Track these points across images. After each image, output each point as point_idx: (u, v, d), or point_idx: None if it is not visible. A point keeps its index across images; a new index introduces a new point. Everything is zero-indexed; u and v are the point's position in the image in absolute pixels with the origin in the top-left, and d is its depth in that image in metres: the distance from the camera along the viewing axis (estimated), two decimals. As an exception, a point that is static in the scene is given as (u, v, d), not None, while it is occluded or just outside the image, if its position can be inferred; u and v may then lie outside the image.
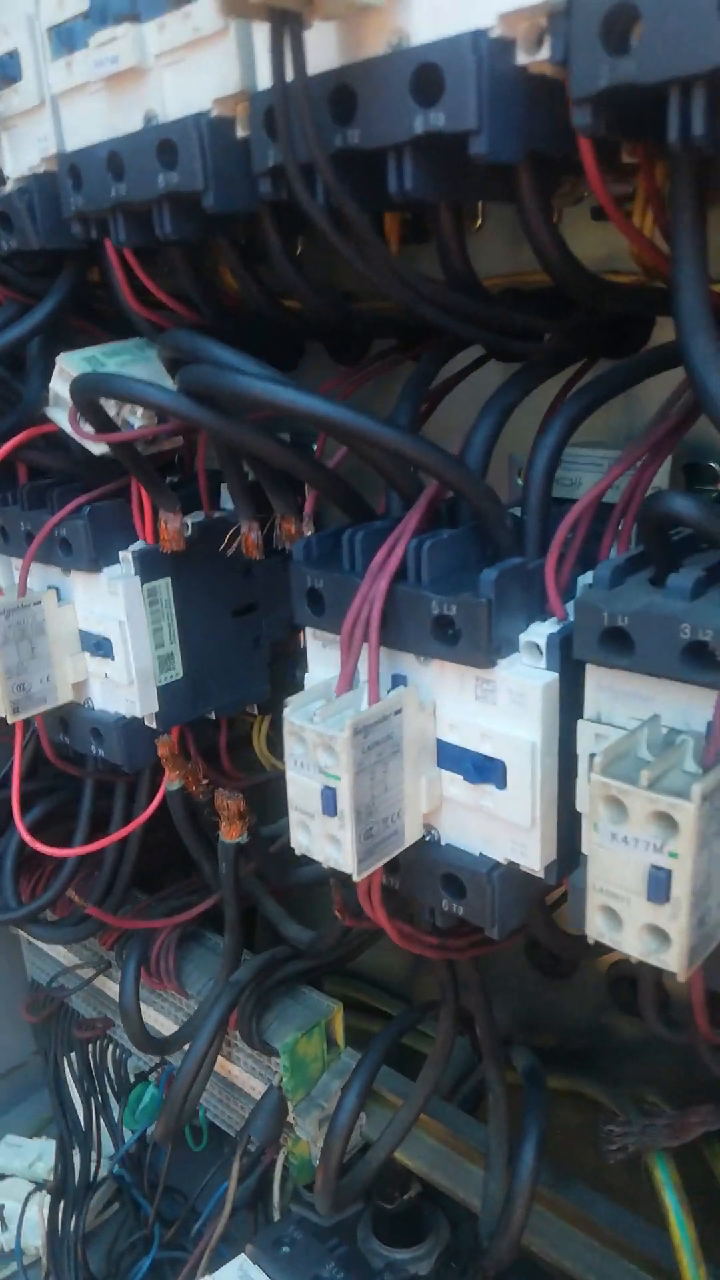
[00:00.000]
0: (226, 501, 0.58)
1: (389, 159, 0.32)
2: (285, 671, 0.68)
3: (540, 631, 0.35)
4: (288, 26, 0.30)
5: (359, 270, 0.36)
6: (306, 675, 0.43)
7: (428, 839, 0.40)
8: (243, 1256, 0.49)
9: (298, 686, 0.67)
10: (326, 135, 0.33)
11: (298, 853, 0.38)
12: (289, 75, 0.31)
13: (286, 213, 0.42)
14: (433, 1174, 0.57)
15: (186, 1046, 0.58)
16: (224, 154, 0.38)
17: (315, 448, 0.52)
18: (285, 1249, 0.48)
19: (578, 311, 0.41)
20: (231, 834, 0.55)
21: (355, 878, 0.36)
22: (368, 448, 0.36)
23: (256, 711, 0.67)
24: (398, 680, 0.39)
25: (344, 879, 0.48)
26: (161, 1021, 0.65)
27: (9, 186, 0.49)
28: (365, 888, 0.40)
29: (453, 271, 0.38)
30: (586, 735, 0.35)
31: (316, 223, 0.34)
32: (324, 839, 0.36)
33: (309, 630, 0.42)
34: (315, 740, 0.35)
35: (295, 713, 0.36)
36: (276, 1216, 0.58)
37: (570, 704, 0.35)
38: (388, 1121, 0.56)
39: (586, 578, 0.36)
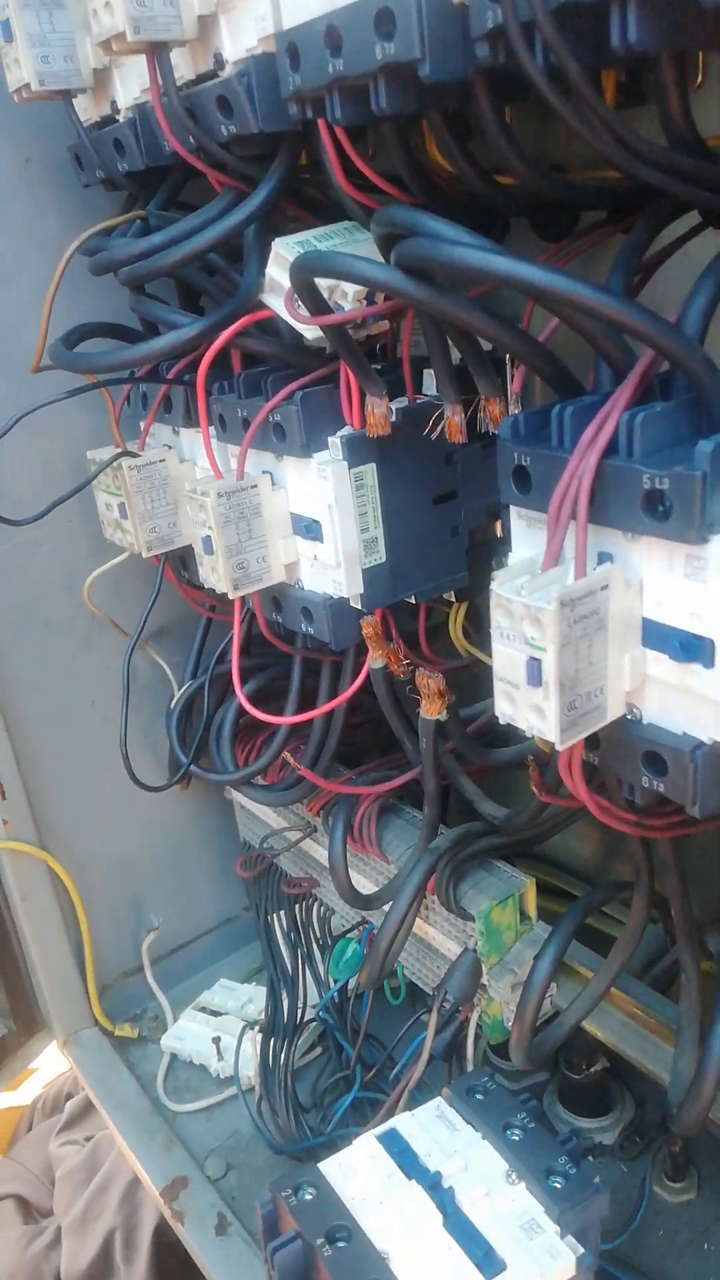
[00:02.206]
0: (429, 388, 0.58)
1: (611, 10, 0.31)
2: (483, 560, 0.69)
3: (757, 506, 0.34)
4: None
5: (579, 132, 0.35)
6: (510, 555, 0.44)
7: (630, 716, 0.41)
8: (439, 1099, 0.53)
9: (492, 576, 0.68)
10: (549, -13, 0.32)
11: (502, 721, 0.39)
12: None
13: (499, 82, 0.41)
14: (623, 1046, 0.59)
15: (388, 906, 0.62)
16: (440, 21, 0.38)
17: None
18: (479, 1096, 0.52)
19: None
20: (431, 711, 0.57)
21: (558, 746, 0.37)
22: (582, 315, 0.36)
23: (454, 599, 0.68)
24: (604, 558, 0.39)
25: (542, 758, 0.50)
26: (363, 883, 0.69)
27: (228, 70, 0.50)
28: (566, 760, 0.41)
29: (674, 129, 0.36)
30: None
31: (537, 84, 0.34)
32: (528, 709, 0.37)
33: (514, 509, 0.43)
34: (522, 612, 0.36)
35: (502, 586, 0.37)
36: (470, 1070, 0.62)
37: (786, 581, 0.34)
38: (579, 991, 0.58)
39: None
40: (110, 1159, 1.06)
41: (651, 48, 0.32)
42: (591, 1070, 0.73)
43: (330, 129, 0.46)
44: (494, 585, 0.37)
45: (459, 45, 0.38)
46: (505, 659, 0.38)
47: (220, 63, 0.50)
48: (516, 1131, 0.49)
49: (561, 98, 0.34)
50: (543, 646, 0.36)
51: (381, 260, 0.43)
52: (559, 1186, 0.46)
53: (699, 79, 0.47)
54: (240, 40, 0.48)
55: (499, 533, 0.66)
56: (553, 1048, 0.56)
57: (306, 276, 0.44)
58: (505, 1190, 0.47)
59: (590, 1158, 0.74)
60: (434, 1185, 0.48)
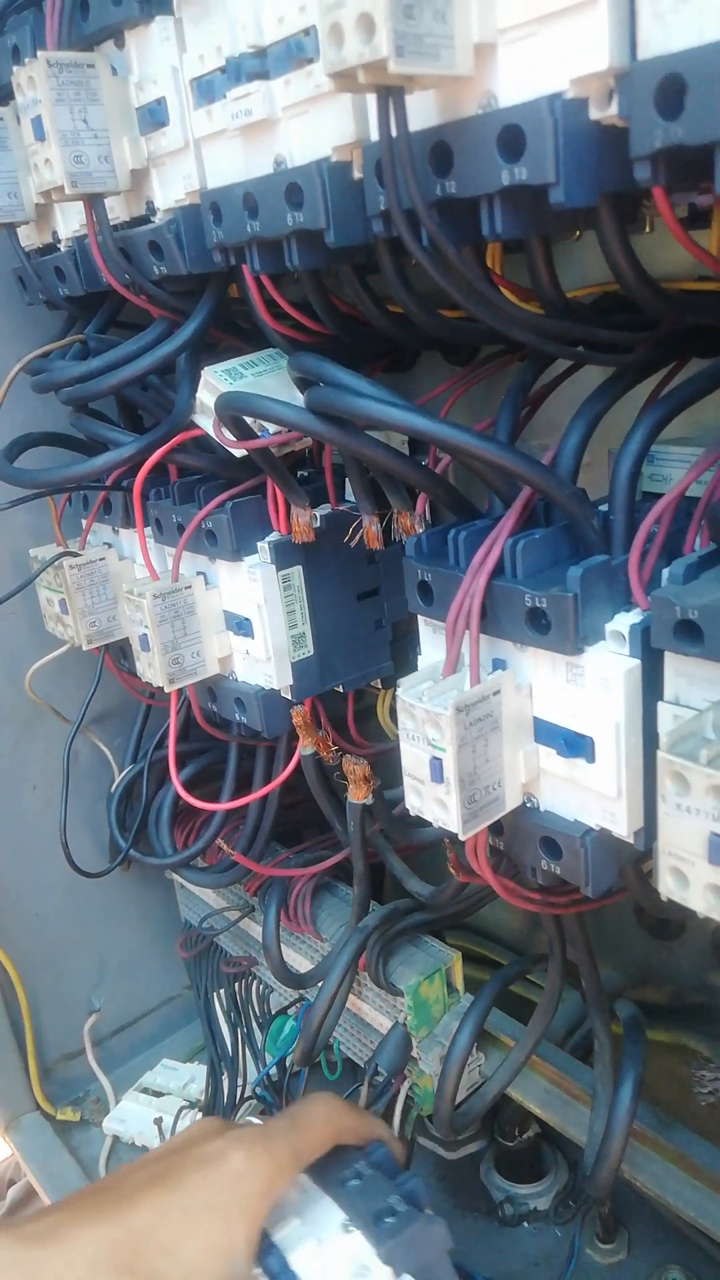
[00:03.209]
0: (350, 494, 0.63)
1: (481, 206, 0.36)
2: (406, 649, 0.73)
3: (624, 622, 0.39)
4: (391, 96, 0.34)
5: (459, 302, 0.40)
6: (420, 657, 0.48)
7: (527, 805, 0.45)
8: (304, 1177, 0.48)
9: (417, 663, 0.72)
10: (427, 185, 0.37)
11: (411, 813, 0.43)
12: (394, 133, 0.35)
13: (399, 241, 0.46)
14: (546, 1112, 0.62)
15: (321, 983, 0.65)
16: (342, 195, 0.43)
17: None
18: (354, 1182, 0.47)
19: (668, 321, 0.44)
20: (358, 795, 0.61)
21: (461, 837, 0.41)
22: (467, 459, 0.41)
23: (380, 685, 0.72)
24: (498, 664, 0.43)
25: (456, 839, 0.54)
26: (299, 960, 0.72)
27: (159, 218, 0.55)
28: (472, 847, 0.45)
29: (543, 295, 0.41)
30: (666, 715, 0.38)
31: (420, 261, 0.39)
32: (433, 802, 0.41)
33: (421, 617, 0.47)
34: (424, 716, 0.40)
35: (406, 691, 0.41)
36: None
37: (652, 687, 0.39)
38: (501, 1060, 0.61)
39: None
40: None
41: (517, 235, 0.37)
42: (524, 1137, 0.76)
43: (255, 275, 0.51)
44: (399, 691, 0.41)
45: (359, 215, 0.43)
46: (411, 757, 0.42)
47: (152, 209, 0.55)
48: (355, 1181, 0.47)
49: (442, 271, 0.39)
50: (443, 747, 0.40)
51: (298, 399, 0.48)
52: (388, 1225, 0.45)
53: (577, 233, 0.53)
54: (169, 192, 0.53)
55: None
56: (476, 1117, 0.59)
57: (231, 413, 0.49)
58: (339, 1240, 0.45)
59: (525, 1223, 0.76)
60: (264, 1250, 0.45)
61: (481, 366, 0.58)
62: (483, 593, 0.41)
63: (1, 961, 0.84)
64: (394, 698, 0.72)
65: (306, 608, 0.62)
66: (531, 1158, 0.78)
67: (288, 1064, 0.75)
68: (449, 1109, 0.57)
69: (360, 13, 0.31)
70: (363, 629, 0.66)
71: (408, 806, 0.43)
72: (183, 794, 0.65)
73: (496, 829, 0.46)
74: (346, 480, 0.62)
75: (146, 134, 0.52)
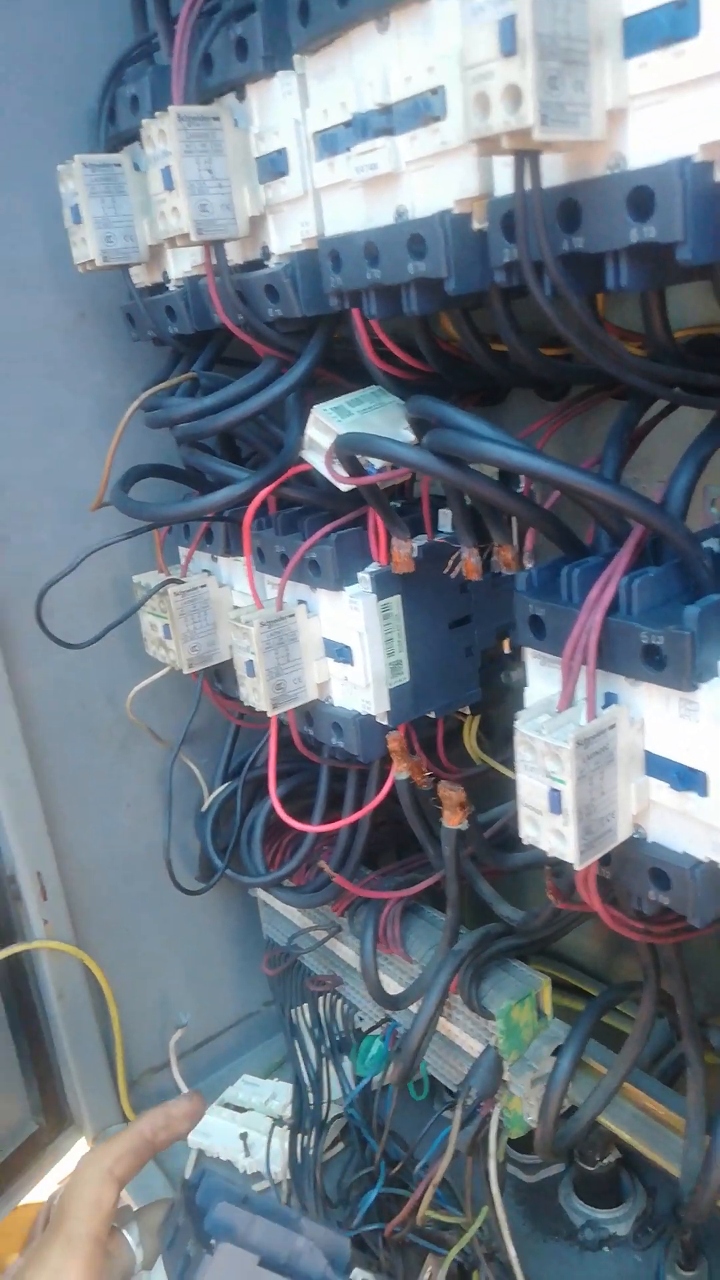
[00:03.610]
0: (444, 525, 0.65)
1: (607, 261, 0.38)
2: (493, 676, 0.74)
3: (741, 659, 0.40)
4: (528, 158, 0.36)
5: (579, 348, 0.42)
6: (527, 689, 0.49)
7: (637, 836, 0.46)
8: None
9: (504, 689, 0.74)
10: (555, 240, 0.39)
11: (525, 842, 0.44)
12: (528, 191, 0.37)
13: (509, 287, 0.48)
14: (635, 1138, 0.62)
15: (414, 1005, 0.66)
16: (463, 245, 0.45)
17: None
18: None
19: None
20: (453, 821, 0.62)
21: (577, 867, 0.42)
22: (586, 499, 0.42)
23: (468, 712, 0.74)
24: (610, 698, 0.44)
25: (559, 867, 0.55)
26: (387, 982, 0.73)
27: (273, 262, 0.57)
28: (583, 877, 0.46)
29: (656, 343, 0.43)
30: (782, 752, 0.39)
31: (545, 310, 0.40)
32: (550, 833, 0.42)
33: (529, 650, 0.48)
34: (544, 749, 0.41)
35: (525, 724, 0.42)
36: (492, 1164, 0.65)
37: (768, 724, 0.40)
38: (593, 1087, 0.62)
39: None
40: (131, 1257, 1.07)
41: (640, 289, 0.38)
42: (605, 1162, 0.76)
43: (364, 317, 0.53)
44: (518, 724, 0.43)
45: (478, 264, 0.45)
46: (529, 788, 0.43)
47: (267, 254, 0.58)
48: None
49: (564, 321, 0.41)
50: (562, 779, 0.41)
51: (411, 437, 0.50)
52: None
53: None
54: (285, 238, 0.56)
55: (507, 649, 0.72)
56: (573, 1141, 0.60)
57: (349, 453, 0.51)
58: None
59: (605, 1248, 0.76)
60: None
61: (575, 404, 0.59)
62: (599, 629, 0.42)
63: (96, 976, 0.87)
64: (481, 724, 0.75)
65: (403, 635, 0.64)
66: (611, 1183, 0.78)
67: (374, 1084, 0.77)
68: (552, 1131, 0.58)
69: (508, 84, 0.33)
70: (454, 656, 0.68)
71: (522, 836, 0.45)
72: (282, 815, 0.67)
73: (605, 859, 0.47)
74: (440, 512, 0.64)
75: (266, 182, 0.55)
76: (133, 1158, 0.54)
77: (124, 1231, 0.54)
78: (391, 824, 0.82)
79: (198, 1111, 0.60)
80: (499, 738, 0.78)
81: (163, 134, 0.53)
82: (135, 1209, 0.57)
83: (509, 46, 0.33)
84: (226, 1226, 0.46)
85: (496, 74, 0.34)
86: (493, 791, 0.76)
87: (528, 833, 0.44)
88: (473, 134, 0.35)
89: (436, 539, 0.63)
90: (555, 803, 0.42)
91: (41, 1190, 1.21)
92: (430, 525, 0.63)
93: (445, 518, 0.65)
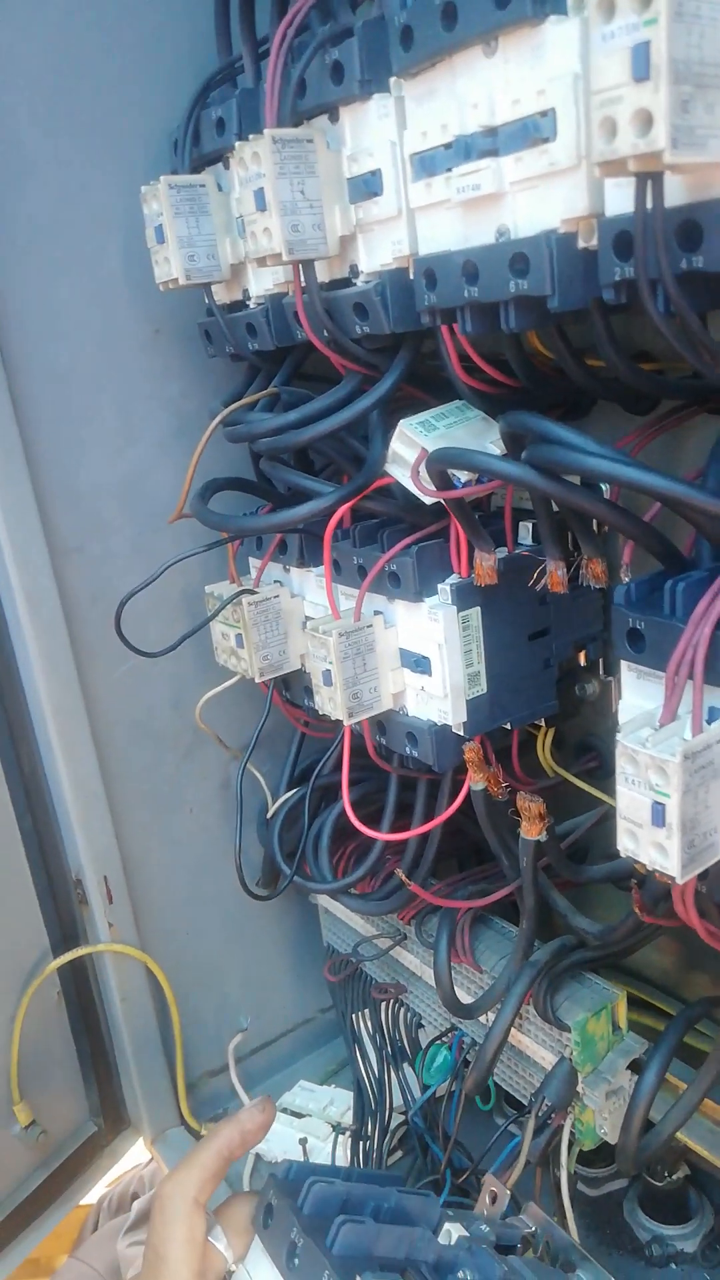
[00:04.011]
0: (523, 538, 0.65)
1: (727, 277, 0.38)
2: (567, 688, 0.75)
3: None
4: (652, 179, 0.37)
5: (693, 364, 0.42)
6: (620, 703, 0.50)
7: (737, 850, 0.46)
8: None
9: (577, 702, 0.74)
10: (674, 259, 0.39)
11: (623, 855, 0.45)
12: (650, 212, 0.38)
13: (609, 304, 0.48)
14: (713, 1153, 0.62)
15: (484, 1015, 0.66)
16: (567, 263, 0.45)
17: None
18: (269, 1219, 0.51)
19: None
20: (532, 832, 0.62)
21: (679, 880, 0.42)
22: (694, 513, 0.43)
23: (542, 724, 0.74)
24: (714, 713, 0.45)
25: (643, 880, 0.55)
26: (457, 992, 0.73)
27: (362, 280, 0.58)
28: (680, 891, 0.46)
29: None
30: None
31: (660, 327, 0.41)
32: (651, 846, 0.43)
33: (626, 663, 0.49)
34: (648, 762, 0.42)
35: (628, 737, 0.43)
36: (564, 1175, 0.65)
37: None
38: (669, 1102, 0.62)
39: None
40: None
41: (759, 307, 0.39)
42: (674, 1178, 0.76)
43: (452, 333, 0.54)
44: (620, 737, 0.43)
45: (582, 281, 0.46)
46: (630, 801, 0.43)
47: (355, 272, 0.58)
48: (297, 1254, 0.48)
49: (679, 339, 0.41)
50: (667, 793, 0.41)
51: (500, 452, 0.50)
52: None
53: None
54: (375, 256, 0.57)
55: (583, 662, 0.73)
56: (653, 1155, 0.60)
57: (442, 467, 0.51)
58: None
59: (673, 1265, 0.76)
60: None
61: (666, 419, 0.60)
62: (707, 643, 0.42)
63: (159, 980, 0.88)
64: (555, 736, 0.75)
65: (482, 647, 0.64)
66: (679, 1199, 0.78)
67: (439, 1093, 0.77)
68: (635, 1144, 0.58)
69: (638, 108, 0.34)
70: (532, 668, 0.68)
71: (619, 848, 0.45)
72: (355, 822, 0.68)
73: (702, 874, 0.47)
74: (520, 525, 0.65)
75: (357, 202, 0.56)
76: (214, 1181, 0.56)
77: (210, 1239, 0.55)
78: (452, 833, 0.83)
79: (269, 1121, 0.61)
80: (569, 750, 0.78)
81: (256, 156, 0.54)
82: (214, 1211, 0.58)
83: (642, 72, 0.34)
84: (357, 1249, 0.47)
85: (626, 99, 0.34)
86: (561, 804, 0.76)
87: (626, 846, 0.44)
88: (598, 157, 0.36)
89: (518, 551, 0.63)
90: (659, 816, 0.42)
91: (92, 1193, 1.22)
92: (511, 538, 0.64)
93: (525, 530, 0.66)
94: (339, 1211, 0.49)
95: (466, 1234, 0.51)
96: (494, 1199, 0.56)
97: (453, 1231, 0.51)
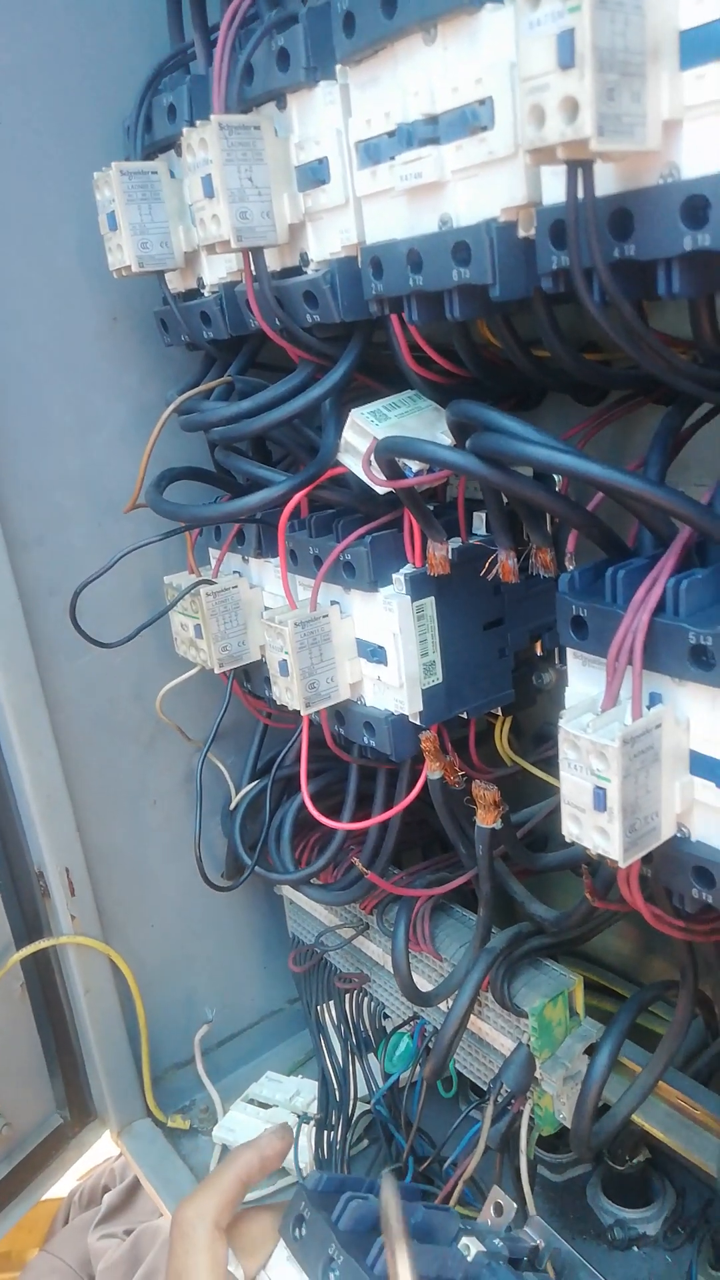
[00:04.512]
0: (478, 529, 0.65)
1: (659, 268, 0.38)
2: (524, 677, 0.75)
3: (787, 659, 0.41)
4: (582, 168, 0.37)
5: (630, 355, 0.42)
6: (567, 689, 0.50)
7: (679, 835, 0.46)
8: (281, 1244, 0.53)
9: (534, 691, 0.74)
10: (607, 248, 0.39)
11: (567, 839, 0.45)
12: (581, 200, 0.38)
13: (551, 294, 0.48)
14: (669, 1136, 0.63)
15: (444, 1003, 0.67)
16: (508, 252, 0.45)
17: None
18: (301, 1231, 0.51)
19: None
20: (487, 820, 0.62)
21: (621, 865, 0.43)
22: (634, 502, 0.43)
23: (499, 713, 0.74)
24: (655, 698, 0.45)
25: (595, 867, 0.55)
26: (417, 979, 0.73)
27: (312, 269, 0.58)
28: (624, 875, 0.46)
29: (706, 348, 0.43)
30: None
31: (593, 316, 0.41)
32: (594, 830, 0.43)
33: (571, 650, 0.49)
34: (588, 747, 0.42)
35: (570, 723, 0.43)
36: (523, 1161, 0.66)
37: None
38: (625, 1085, 0.62)
39: None
40: (153, 1252, 1.08)
41: (692, 295, 0.39)
42: (635, 1161, 0.76)
43: (402, 323, 0.54)
44: (562, 722, 0.43)
45: (523, 270, 0.46)
46: (573, 786, 0.43)
47: (305, 260, 0.58)
48: (334, 1270, 0.49)
49: (615, 328, 0.41)
50: (608, 778, 0.42)
51: (447, 441, 0.50)
52: None
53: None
54: (324, 244, 0.56)
55: (539, 652, 0.73)
56: (608, 1139, 0.60)
57: (390, 456, 0.51)
58: None
59: (635, 1248, 0.76)
60: None
61: (613, 409, 0.60)
62: (645, 629, 0.42)
63: (123, 972, 0.88)
64: (511, 726, 0.76)
65: (437, 637, 0.64)
66: (641, 1183, 0.79)
67: (402, 1081, 0.77)
68: (588, 1128, 0.59)
69: (565, 96, 0.34)
70: (487, 657, 0.68)
71: (565, 834, 0.45)
72: (314, 813, 0.68)
73: (646, 857, 0.48)
74: (474, 515, 0.65)
75: (305, 190, 0.56)
76: (232, 1206, 0.55)
77: None
78: (415, 823, 0.83)
79: (288, 1148, 0.61)
80: (528, 739, 0.78)
81: (204, 143, 0.54)
82: None
83: (567, 59, 0.34)
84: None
85: (553, 86, 0.34)
86: (521, 793, 0.77)
87: (571, 830, 0.45)
88: (527, 144, 0.36)
89: (471, 541, 0.63)
90: (600, 801, 0.42)
91: (62, 1186, 1.22)
92: (465, 528, 0.64)
93: (479, 520, 0.66)
94: (371, 1228, 0.49)
95: (483, 1248, 0.51)
96: (499, 1211, 0.56)
97: (470, 1246, 0.51)
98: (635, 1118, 0.64)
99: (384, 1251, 0.47)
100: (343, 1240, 0.48)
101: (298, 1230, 0.51)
